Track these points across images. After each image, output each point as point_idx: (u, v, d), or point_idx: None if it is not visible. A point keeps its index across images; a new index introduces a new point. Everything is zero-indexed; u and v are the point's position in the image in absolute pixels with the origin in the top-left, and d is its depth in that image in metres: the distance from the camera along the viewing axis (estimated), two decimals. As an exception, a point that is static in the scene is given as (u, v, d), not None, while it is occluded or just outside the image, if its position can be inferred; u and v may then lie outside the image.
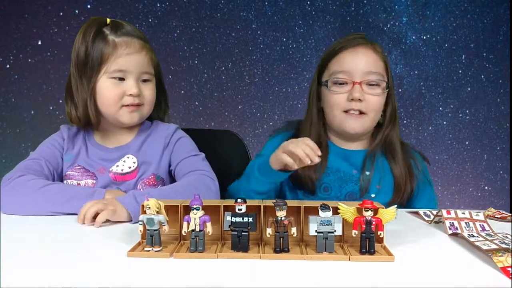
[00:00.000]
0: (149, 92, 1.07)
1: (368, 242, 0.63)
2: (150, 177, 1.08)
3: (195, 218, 0.63)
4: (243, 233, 0.63)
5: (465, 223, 0.79)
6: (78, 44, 1.01)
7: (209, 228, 0.64)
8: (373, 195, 1.09)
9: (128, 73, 1.02)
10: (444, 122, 2.83)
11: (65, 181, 1.08)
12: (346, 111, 1.09)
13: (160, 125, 1.15)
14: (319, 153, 0.92)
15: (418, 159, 1.18)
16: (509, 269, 0.56)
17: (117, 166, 1.07)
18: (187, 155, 1.09)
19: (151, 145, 1.11)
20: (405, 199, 1.12)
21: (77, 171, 1.07)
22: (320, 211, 0.64)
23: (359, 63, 1.08)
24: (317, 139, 1.12)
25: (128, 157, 1.08)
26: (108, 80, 1.01)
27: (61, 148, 1.10)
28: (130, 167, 1.07)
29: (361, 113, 1.09)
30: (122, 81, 1.02)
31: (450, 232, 0.77)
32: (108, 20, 1.04)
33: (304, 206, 0.67)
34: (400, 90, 2.77)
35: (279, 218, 0.63)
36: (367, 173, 1.10)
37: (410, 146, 1.23)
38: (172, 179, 1.12)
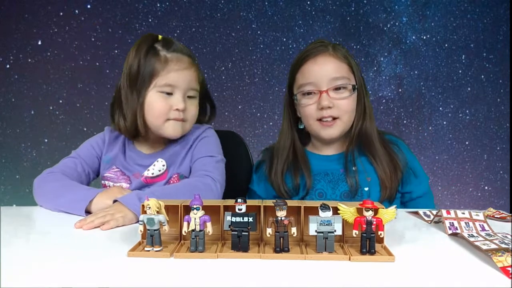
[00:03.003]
0: (193, 108, 1.12)
1: (368, 242, 0.63)
2: (174, 176, 1.11)
3: (195, 218, 0.63)
4: (243, 233, 0.63)
5: (465, 223, 0.79)
6: (131, 58, 1.05)
7: (209, 228, 0.64)
8: (366, 189, 1.11)
9: (176, 88, 1.06)
10: (444, 122, 2.83)
11: (103, 182, 1.14)
12: (319, 120, 1.13)
13: (193, 128, 1.18)
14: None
15: (400, 144, 1.20)
16: (509, 268, 0.56)
17: (148, 170, 1.11)
18: (204, 155, 1.11)
19: (180, 146, 1.14)
20: (393, 192, 1.12)
21: (113, 173, 1.13)
22: (320, 211, 0.64)
23: (322, 72, 1.11)
24: (290, 148, 1.19)
25: (157, 161, 1.11)
26: (157, 93, 1.05)
27: (100, 150, 1.17)
28: (160, 170, 1.11)
29: (334, 118, 1.12)
30: (169, 95, 1.06)
31: (450, 232, 0.77)
32: (160, 36, 1.09)
33: (304, 206, 0.68)
34: (400, 90, 2.78)
35: (279, 218, 0.63)
36: (354, 168, 1.13)
37: (387, 133, 1.23)
38: None
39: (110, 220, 0.81)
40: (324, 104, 1.09)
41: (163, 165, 1.11)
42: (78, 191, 0.97)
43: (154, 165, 1.11)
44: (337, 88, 1.11)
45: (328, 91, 1.10)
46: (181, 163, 1.12)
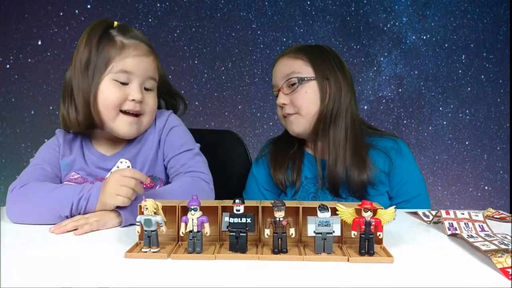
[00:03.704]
0: (151, 101, 1.01)
1: (367, 243, 0.63)
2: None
3: (193, 219, 0.63)
4: (241, 234, 0.63)
5: (464, 223, 0.79)
6: (82, 47, 0.95)
7: (207, 229, 0.63)
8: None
9: (133, 76, 0.96)
10: (444, 122, 2.83)
11: None
12: (285, 117, 1.16)
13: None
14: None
15: (401, 144, 1.14)
16: (509, 270, 0.56)
17: (111, 173, 0.99)
18: (179, 150, 1.03)
19: (145, 145, 1.05)
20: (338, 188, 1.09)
21: (74, 181, 1.01)
22: (318, 212, 0.63)
23: (278, 73, 1.15)
24: (293, 146, 1.20)
25: (121, 162, 1.02)
26: (111, 81, 0.95)
27: (59, 152, 1.04)
28: None
29: (294, 114, 1.13)
30: (125, 85, 0.96)
31: (449, 232, 0.77)
32: (116, 23, 1.00)
33: (302, 207, 0.67)
34: (400, 90, 2.78)
35: (278, 219, 0.63)
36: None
37: (387, 133, 1.18)
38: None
39: (83, 224, 0.78)
40: (279, 102, 1.13)
41: (128, 166, 1.02)
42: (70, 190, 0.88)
43: (118, 166, 1.01)
44: (293, 84, 1.11)
45: (281, 89, 1.13)
46: (154, 164, 1.03)
